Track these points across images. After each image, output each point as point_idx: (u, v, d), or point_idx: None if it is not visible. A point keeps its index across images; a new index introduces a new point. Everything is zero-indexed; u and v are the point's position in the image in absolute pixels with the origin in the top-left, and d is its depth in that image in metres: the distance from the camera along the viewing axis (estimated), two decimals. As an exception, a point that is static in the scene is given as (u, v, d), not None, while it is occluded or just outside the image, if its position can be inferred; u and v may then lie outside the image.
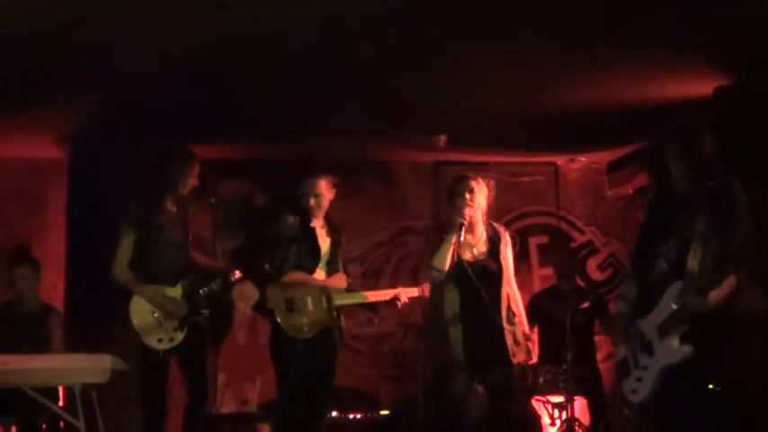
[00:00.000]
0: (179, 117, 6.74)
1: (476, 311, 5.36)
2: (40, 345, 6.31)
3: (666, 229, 4.27)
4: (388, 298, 5.82)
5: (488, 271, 5.45)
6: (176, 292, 5.74)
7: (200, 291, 5.72)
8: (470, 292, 5.36)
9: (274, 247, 5.70)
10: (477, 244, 5.51)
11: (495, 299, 5.40)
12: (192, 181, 5.88)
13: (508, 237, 5.63)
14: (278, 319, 5.60)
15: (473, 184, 5.47)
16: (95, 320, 6.75)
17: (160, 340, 5.66)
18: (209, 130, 6.93)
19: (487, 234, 5.54)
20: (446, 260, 5.38)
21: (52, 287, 7.30)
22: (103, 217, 7.00)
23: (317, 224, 5.76)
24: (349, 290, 5.81)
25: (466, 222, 5.39)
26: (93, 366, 5.21)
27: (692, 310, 4.03)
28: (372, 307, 5.94)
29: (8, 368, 5.10)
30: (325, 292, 5.66)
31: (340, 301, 5.71)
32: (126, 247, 5.78)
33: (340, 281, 5.77)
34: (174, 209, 5.87)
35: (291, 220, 5.71)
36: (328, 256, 5.77)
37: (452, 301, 5.42)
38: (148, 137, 7.06)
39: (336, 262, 5.80)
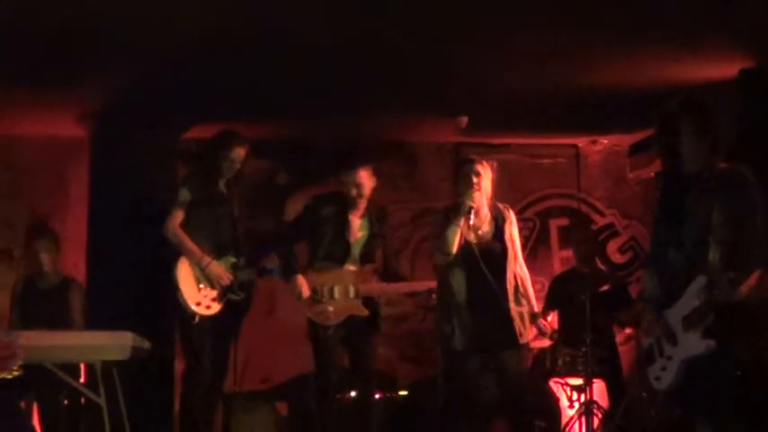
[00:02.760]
0: (201, 96, 6.75)
1: (482, 293, 5.43)
2: (61, 316, 6.39)
3: (680, 215, 4.24)
4: (417, 290, 5.95)
5: (493, 252, 5.50)
6: (224, 263, 5.87)
7: (244, 272, 5.88)
8: (476, 275, 5.42)
9: (311, 235, 5.84)
10: (482, 226, 5.55)
11: (501, 280, 5.46)
12: (239, 165, 5.96)
13: (513, 216, 5.67)
14: (302, 305, 5.78)
15: (479, 167, 5.51)
16: (116, 298, 6.80)
17: (198, 304, 5.75)
18: (231, 110, 6.93)
19: (492, 215, 5.59)
20: (454, 243, 5.43)
21: (74, 265, 7.34)
22: (125, 195, 7.06)
23: (356, 214, 5.87)
24: (382, 280, 5.95)
25: (475, 206, 5.41)
26: (114, 343, 5.25)
27: (720, 302, 4.01)
28: (411, 294, 6.08)
29: (30, 345, 5.10)
30: (353, 281, 5.80)
31: (368, 291, 5.85)
32: (181, 209, 5.85)
33: (370, 271, 5.90)
34: (223, 189, 5.94)
35: (329, 209, 5.83)
36: (361, 246, 5.89)
37: (459, 284, 5.48)
38: (171, 115, 7.08)
39: (371, 251, 5.93)
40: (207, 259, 5.79)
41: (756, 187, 4.11)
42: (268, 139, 7.73)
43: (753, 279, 3.97)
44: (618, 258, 8.64)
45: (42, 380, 5.50)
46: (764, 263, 3.98)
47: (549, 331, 5.81)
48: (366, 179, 5.80)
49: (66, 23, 5.30)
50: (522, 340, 5.49)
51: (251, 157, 6.10)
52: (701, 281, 4.05)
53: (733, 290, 3.95)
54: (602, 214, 8.71)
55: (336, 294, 5.78)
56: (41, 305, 6.41)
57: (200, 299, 5.77)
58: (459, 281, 5.48)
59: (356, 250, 5.88)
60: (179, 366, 6.65)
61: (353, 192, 5.78)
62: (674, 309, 4.18)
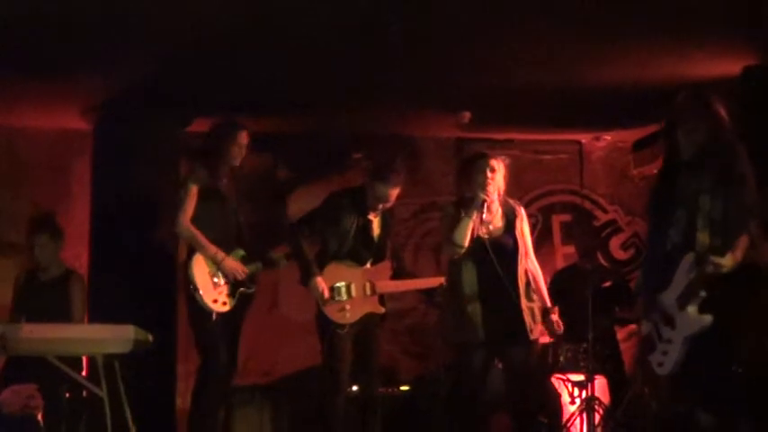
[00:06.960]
0: (203, 89, 6.76)
1: (493, 288, 5.44)
2: (62, 309, 6.38)
3: (674, 200, 4.28)
4: (431, 286, 5.95)
5: (505, 247, 5.52)
6: (236, 256, 5.84)
7: (252, 264, 5.86)
8: (488, 269, 5.44)
9: (331, 230, 5.81)
10: (494, 221, 5.57)
11: (513, 275, 5.47)
12: (245, 150, 5.95)
13: (524, 212, 5.71)
14: (321, 305, 5.77)
15: (493, 162, 5.54)
16: (118, 290, 6.81)
17: (215, 301, 5.74)
18: (232, 103, 6.93)
19: (503, 211, 5.61)
20: (466, 236, 5.45)
21: (76, 257, 7.34)
22: (128, 188, 7.06)
23: (374, 214, 5.90)
24: (393, 277, 5.96)
25: (489, 200, 5.45)
26: (115, 337, 5.24)
27: (709, 274, 4.05)
28: (427, 292, 6.09)
29: (32, 337, 5.14)
30: (369, 279, 5.82)
31: (384, 289, 5.89)
32: (191, 203, 5.78)
33: (385, 269, 5.93)
34: (226, 180, 5.93)
35: (353, 216, 5.81)
36: (377, 245, 5.92)
37: (470, 278, 5.49)
38: (174, 108, 7.09)
39: (384, 250, 5.96)
40: (222, 254, 5.75)
41: (744, 158, 4.15)
42: (269, 134, 7.73)
43: (740, 245, 4.03)
44: (620, 255, 8.65)
45: (44, 372, 5.50)
46: (750, 228, 4.03)
47: (560, 331, 5.74)
48: (395, 195, 5.83)
49: (71, 15, 5.30)
50: (533, 336, 5.51)
51: (251, 152, 6.09)
52: (690, 257, 4.11)
53: (718, 261, 4.00)
54: (604, 210, 8.71)
55: (354, 292, 5.79)
56: (42, 297, 6.40)
57: (216, 296, 5.74)
58: (469, 274, 5.50)
59: (376, 248, 5.92)
60: (181, 361, 6.67)
61: (380, 205, 5.83)
62: (667, 291, 4.23)
